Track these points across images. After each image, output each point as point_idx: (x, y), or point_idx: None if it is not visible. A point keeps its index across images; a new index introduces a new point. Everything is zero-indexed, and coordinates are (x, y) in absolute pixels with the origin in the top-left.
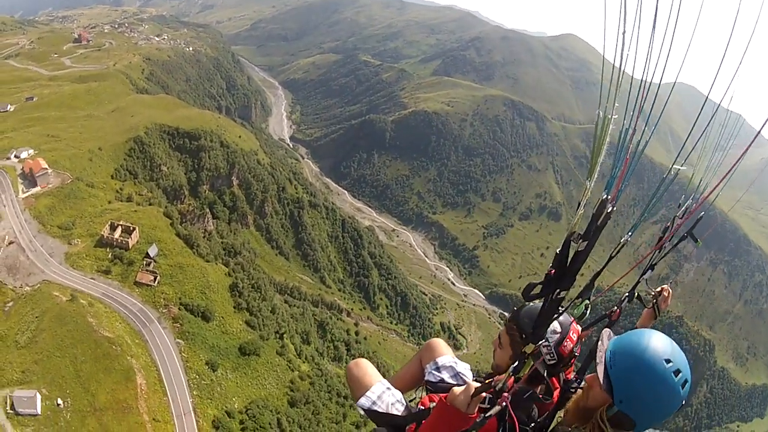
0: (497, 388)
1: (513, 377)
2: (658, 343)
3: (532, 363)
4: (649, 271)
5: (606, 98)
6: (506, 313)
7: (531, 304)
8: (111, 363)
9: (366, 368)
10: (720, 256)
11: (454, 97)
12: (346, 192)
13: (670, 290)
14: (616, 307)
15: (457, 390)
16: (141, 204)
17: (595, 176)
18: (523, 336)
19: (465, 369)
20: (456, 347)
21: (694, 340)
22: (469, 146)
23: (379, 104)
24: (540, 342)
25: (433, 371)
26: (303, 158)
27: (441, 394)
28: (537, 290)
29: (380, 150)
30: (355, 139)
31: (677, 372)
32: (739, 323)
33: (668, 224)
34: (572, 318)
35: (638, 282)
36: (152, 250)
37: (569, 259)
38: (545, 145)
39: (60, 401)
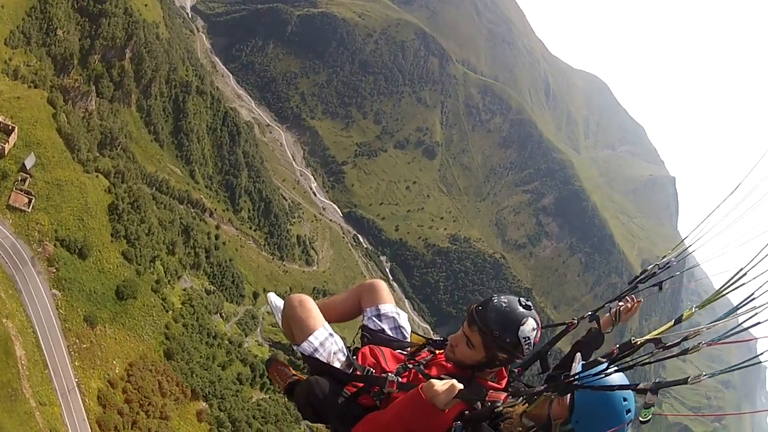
0: (492, 408)
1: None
2: (620, 382)
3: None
4: (616, 301)
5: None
6: (360, 236)
7: (495, 300)
8: None
9: (311, 309)
10: (581, 246)
11: (367, 10)
12: (231, 75)
13: (638, 303)
14: (575, 320)
15: (439, 387)
16: (26, 79)
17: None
18: (505, 340)
19: (405, 322)
20: (308, 263)
21: (539, 315)
22: (367, 62)
23: None
24: (524, 345)
25: (374, 318)
26: (198, 31)
27: (408, 391)
28: None
29: (277, 41)
30: (256, 24)
31: (629, 411)
32: (583, 312)
33: (647, 268)
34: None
35: (602, 306)
36: (29, 161)
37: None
38: (441, 84)
39: None
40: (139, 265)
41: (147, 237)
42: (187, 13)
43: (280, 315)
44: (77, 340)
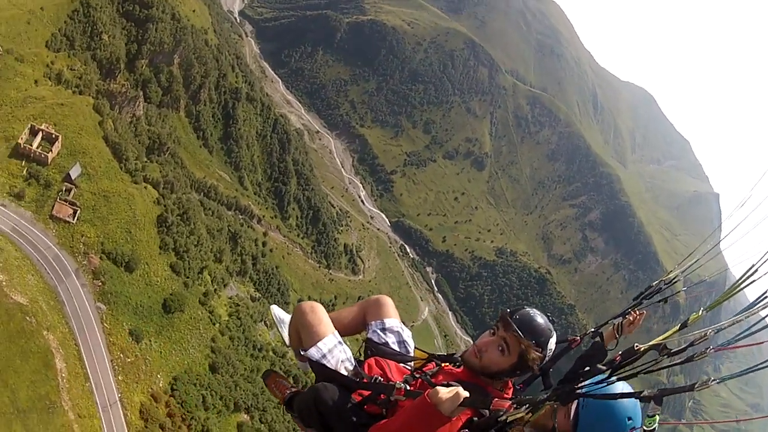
0: (497, 419)
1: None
2: (625, 400)
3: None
4: (620, 318)
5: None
6: (407, 246)
7: (530, 311)
8: (27, 343)
9: (321, 316)
10: (625, 262)
11: (416, 18)
12: (280, 81)
13: (641, 315)
14: (578, 337)
15: (444, 394)
16: (70, 83)
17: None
18: (539, 349)
19: (409, 338)
20: (354, 272)
21: (580, 332)
22: (417, 71)
23: (339, 1)
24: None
25: (378, 331)
26: (246, 36)
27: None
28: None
29: (326, 48)
30: (305, 31)
31: (633, 429)
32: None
33: (653, 284)
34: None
35: (606, 323)
36: (74, 171)
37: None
38: (491, 95)
39: None
40: (188, 277)
41: (196, 248)
42: (235, 18)
43: (283, 328)
44: (121, 355)
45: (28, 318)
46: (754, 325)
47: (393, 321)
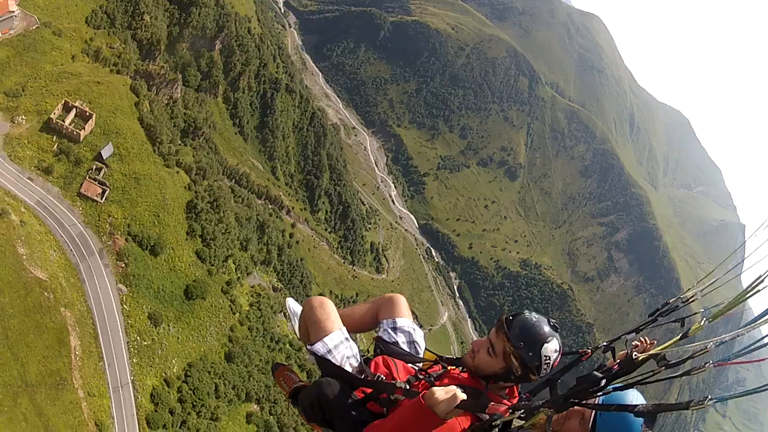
0: (492, 423)
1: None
2: (633, 401)
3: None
4: (633, 333)
5: None
6: (433, 249)
7: (526, 314)
8: (43, 318)
9: (330, 312)
10: (647, 286)
11: (461, 23)
12: (320, 74)
13: (651, 345)
14: (589, 350)
15: (440, 395)
16: (108, 62)
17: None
18: (528, 353)
19: (420, 338)
20: (378, 270)
21: (595, 352)
22: (457, 76)
23: (385, 0)
24: (543, 362)
25: (389, 330)
26: (290, 26)
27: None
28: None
29: (369, 45)
30: (348, 26)
31: None
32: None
33: (669, 301)
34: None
35: (618, 338)
36: (106, 150)
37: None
38: (529, 105)
39: None
40: (212, 265)
41: (223, 236)
42: (280, 8)
43: (296, 321)
44: (138, 338)
45: (46, 293)
46: (757, 341)
47: (405, 321)
